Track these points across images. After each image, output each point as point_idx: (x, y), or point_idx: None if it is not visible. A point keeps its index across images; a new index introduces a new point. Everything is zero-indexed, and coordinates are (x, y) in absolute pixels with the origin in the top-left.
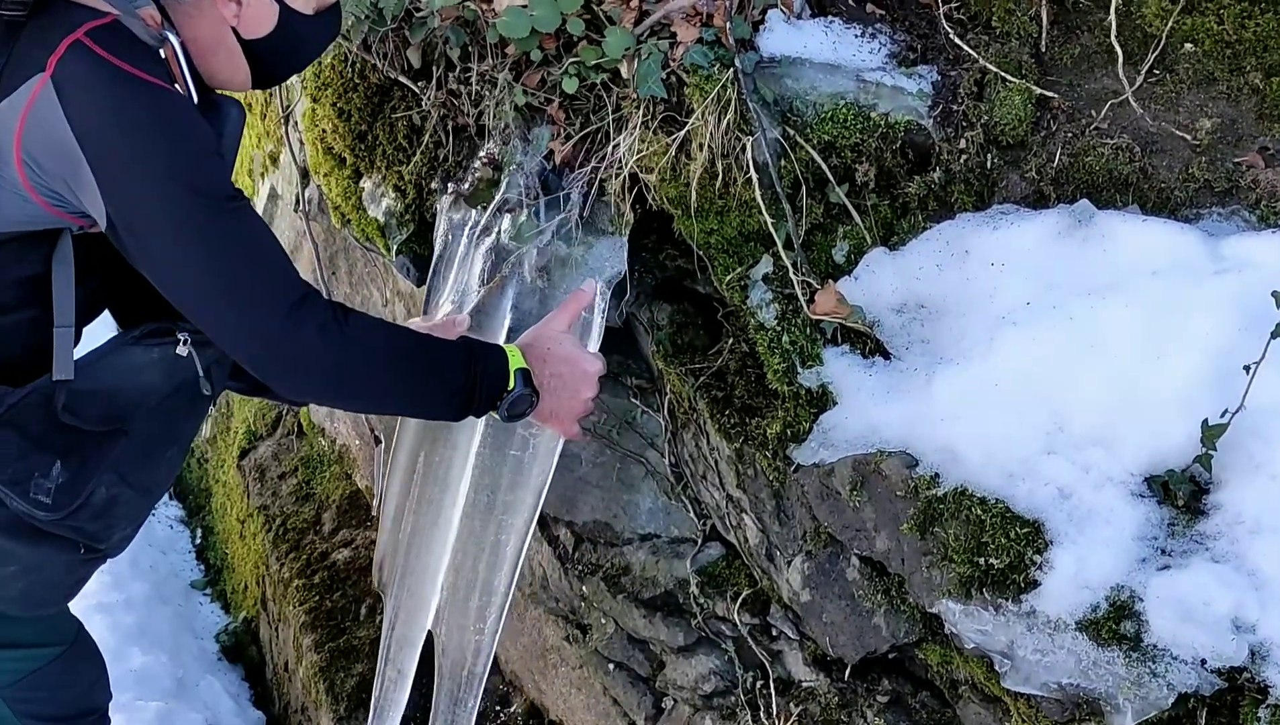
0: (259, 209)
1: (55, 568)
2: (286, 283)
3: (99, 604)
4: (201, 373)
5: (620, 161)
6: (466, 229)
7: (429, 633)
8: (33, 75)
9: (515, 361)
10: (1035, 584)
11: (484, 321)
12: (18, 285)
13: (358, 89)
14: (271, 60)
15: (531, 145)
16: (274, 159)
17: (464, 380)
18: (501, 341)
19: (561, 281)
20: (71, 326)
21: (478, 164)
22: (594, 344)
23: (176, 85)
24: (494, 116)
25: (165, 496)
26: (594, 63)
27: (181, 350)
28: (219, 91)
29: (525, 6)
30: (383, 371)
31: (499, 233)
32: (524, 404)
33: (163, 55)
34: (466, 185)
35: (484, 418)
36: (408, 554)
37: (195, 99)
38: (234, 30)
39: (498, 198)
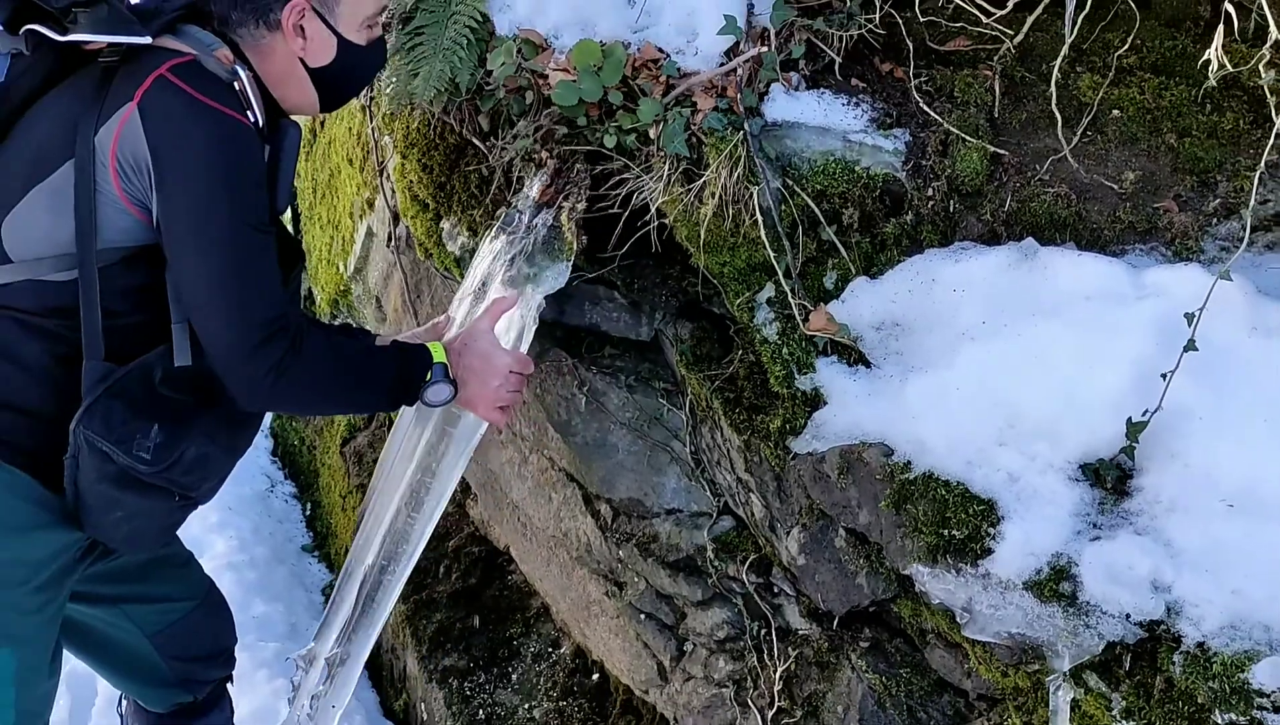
0: (357, 244)
1: (156, 513)
2: (262, 320)
3: (229, 563)
4: None
5: (646, 202)
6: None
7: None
8: (124, 105)
9: (437, 356)
10: (990, 552)
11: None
12: (126, 294)
13: (438, 147)
14: (334, 85)
15: (525, 188)
16: (370, 204)
17: (393, 378)
18: None
19: (521, 294)
20: (185, 322)
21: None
22: (524, 345)
23: (248, 112)
24: (519, 165)
25: (282, 477)
26: (629, 127)
27: None
28: (288, 116)
29: (574, 82)
30: (321, 392)
31: (487, 256)
32: (441, 392)
33: (236, 87)
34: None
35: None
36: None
37: (263, 122)
38: (301, 60)
39: (494, 229)
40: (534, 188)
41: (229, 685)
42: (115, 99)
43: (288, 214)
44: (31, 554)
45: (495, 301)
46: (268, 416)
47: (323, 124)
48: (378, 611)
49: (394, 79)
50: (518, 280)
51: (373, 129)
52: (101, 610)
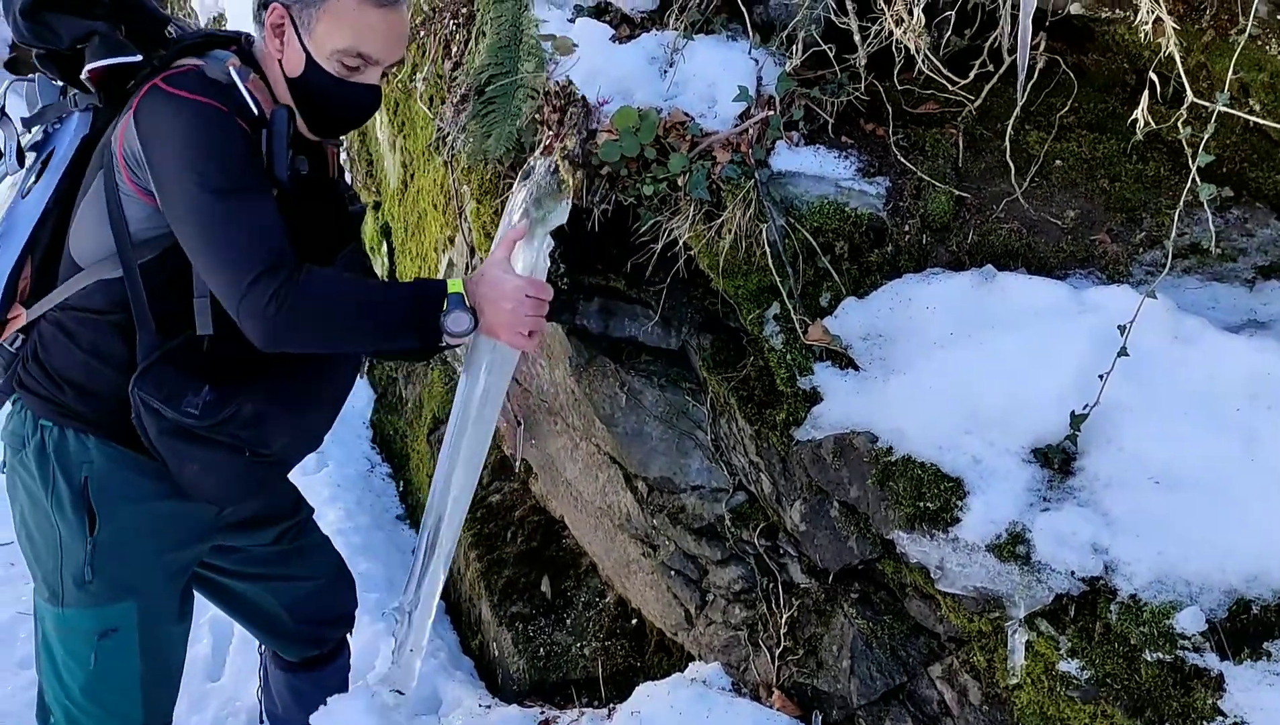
0: (440, 274)
1: (229, 466)
2: (255, 259)
3: (338, 529)
4: None
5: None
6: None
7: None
8: (128, 112)
9: (453, 288)
10: (958, 520)
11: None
12: (171, 282)
13: (505, 194)
14: (307, 103)
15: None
16: (451, 240)
17: (409, 309)
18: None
19: (532, 233)
20: (207, 296)
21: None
22: (540, 274)
23: (237, 102)
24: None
25: (379, 460)
26: (662, 177)
27: None
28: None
29: (616, 141)
30: (329, 322)
31: (515, 210)
32: (461, 321)
33: (225, 83)
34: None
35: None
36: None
37: (260, 112)
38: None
39: (515, 184)
40: (541, 141)
41: (348, 637)
42: (125, 111)
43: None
44: (148, 519)
45: (507, 233)
46: (366, 408)
47: (412, 176)
48: (438, 562)
49: (470, 139)
50: (529, 222)
51: (454, 180)
52: (247, 584)
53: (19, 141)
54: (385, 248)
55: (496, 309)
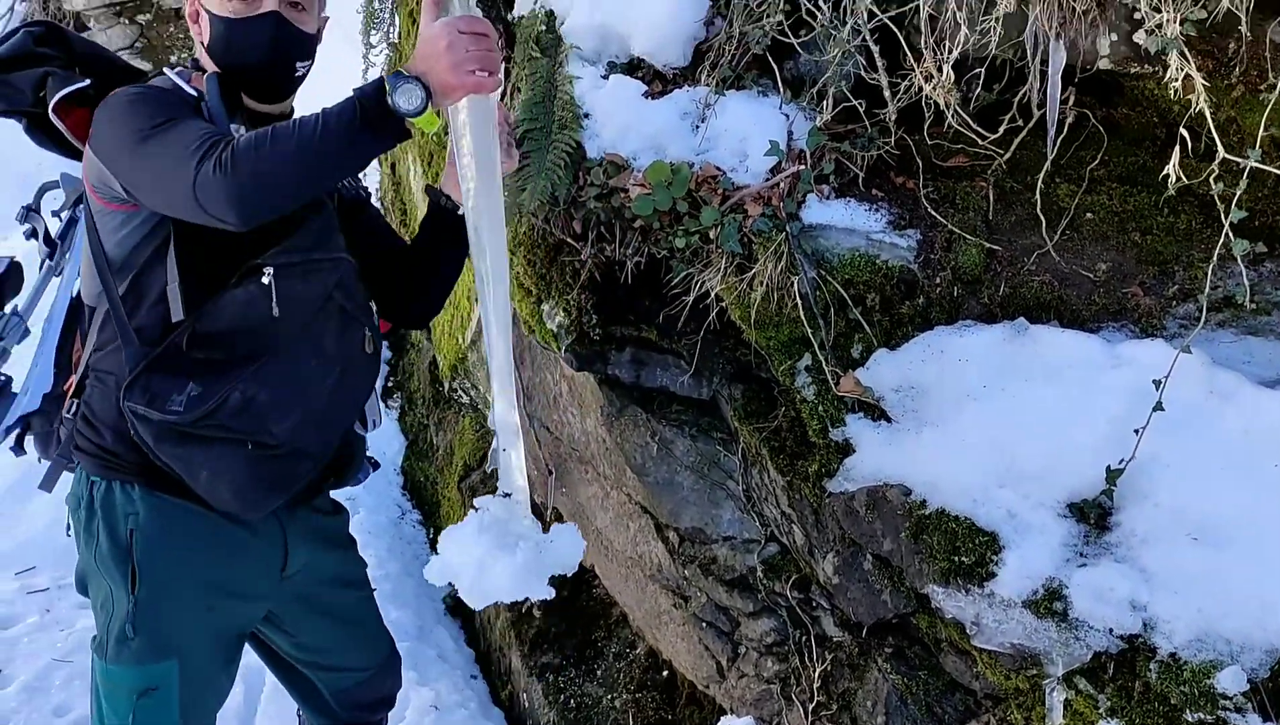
0: (472, 322)
1: (238, 463)
2: (188, 151)
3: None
4: (275, 299)
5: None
6: None
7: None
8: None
9: (388, 74)
10: (993, 575)
11: None
12: (152, 293)
13: (540, 246)
14: (225, 63)
15: None
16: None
17: (355, 111)
18: None
19: None
20: (178, 282)
21: None
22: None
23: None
24: None
25: (410, 507)
26: (694, 230)
27: (265, 280)
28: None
29: (649, 195)
30: (280, 156)
31: None
32: (411, 92)
33: (165, 83)
34: None
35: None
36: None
37: (195, 94)
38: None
39: None
40: None
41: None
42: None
43: None
44: (194, 574)
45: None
46: (397, 455)
47: None
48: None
49: (506, 193)
50: None
51: None
52: (301, 667)
53: (45, 227)
54: None
55: (435, 57)
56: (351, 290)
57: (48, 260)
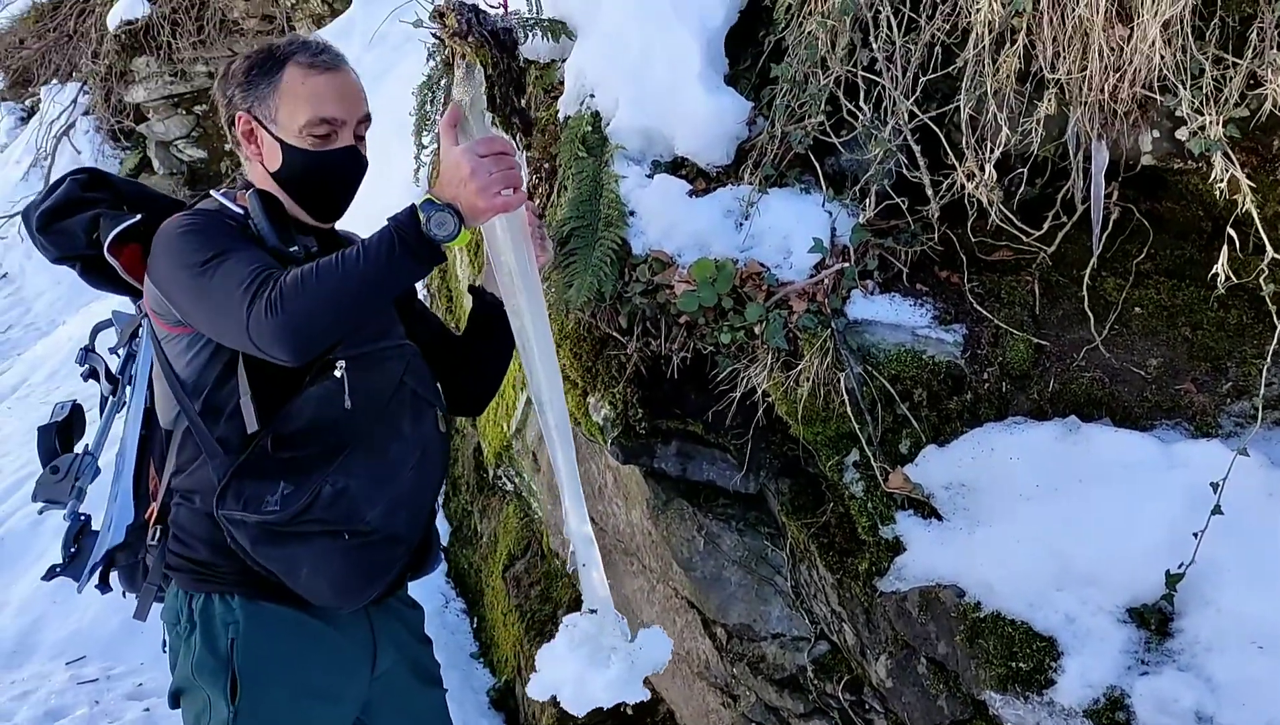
0: (518, 411)
1: (334, 556)
2: (239, 290)
3: None
4: (348, 391)
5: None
6: None
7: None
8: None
9: (420, 200)
10: (1052, 682)
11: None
12: (222, 408)
13: (586, 340)
14: (298, 188)
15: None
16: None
17: (389, 240)
18: None
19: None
20: (249, 396)
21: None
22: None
23: (227, 209)
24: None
25: (454, 595)
26: (739, 326)
27: (338, 373)
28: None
29: (694, 291)
30: (324, 292)
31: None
32: (444, 221)
33: (213, 206)
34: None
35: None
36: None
37: (241, 212)
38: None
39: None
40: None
41: None
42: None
43: None
44: (293, 679)
45: (441, 122)
46: (441, 539)
47: None
48: (569, 470)
49: (552, 288)
50: (461, 106)
51: None
52: None
53: (106, 366)
54: None
55: (461, 184)
56: (421, 374)
57: (110, 396)
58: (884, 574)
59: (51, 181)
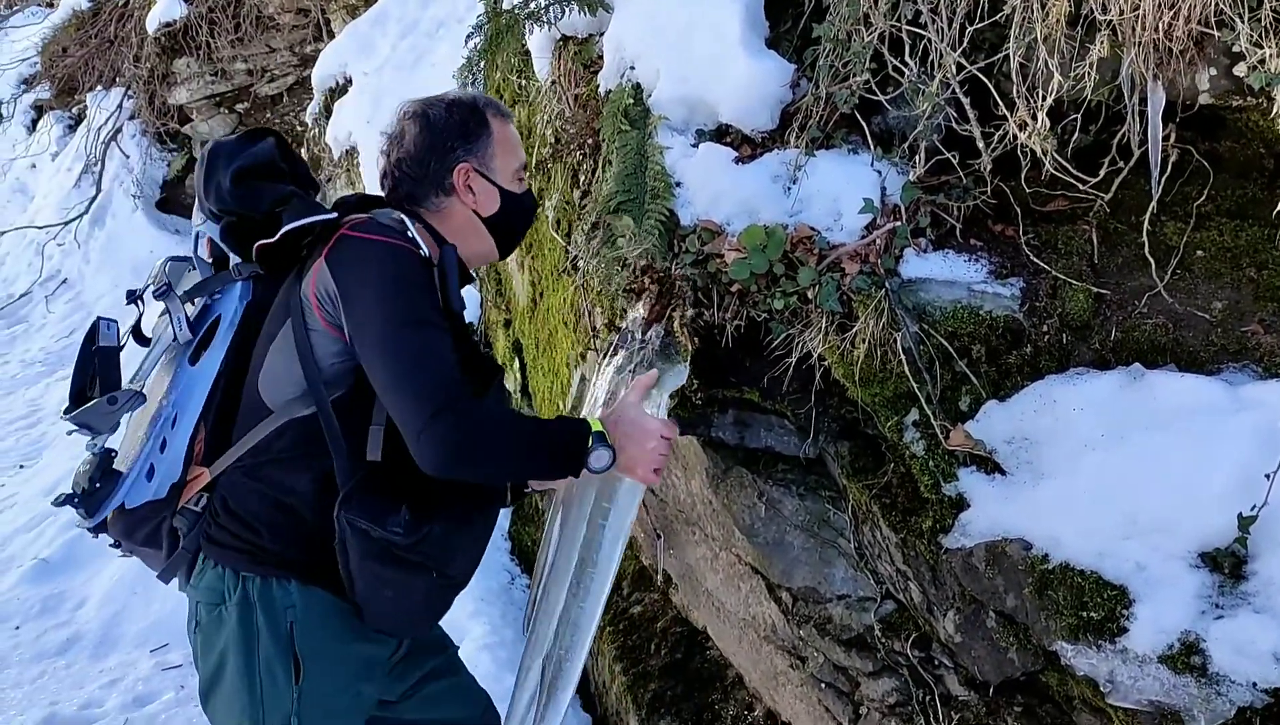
0: (573, 388)
1: (418, 590)
2: (439, 391)
3: (484, 645)
4: None
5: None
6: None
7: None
8: (317, 260)
9: (594, 427)
10: (1125, 630)
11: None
12: (360, 412)
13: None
14: (504, 228)
15: (631, 312)
16: (583, 356)
17: (560, 445)
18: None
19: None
20: (382, 425)
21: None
22: (661, 414)
23: (416, 244)
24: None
25: (519, 571)
26: (792, 291)
27: None
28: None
29: (745, 258)
30: (498, 453)
31: (609, 372)
32: (602, 458)
33: (403, 230)
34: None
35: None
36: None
37: (430, 255)
38: (476, 213)
39: (612, 347)
40: (639, 310)
41: None
42: (311, 261)
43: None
44: (349, 662)
45: (639, 378)
46: (503, 520)
47: (541, 294)
48: (562, 696)
49: (602, 264)
50: (656, 375)
51: (586, 304)
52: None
53: (185, 313)
54: (517, 364)
55: (640, 448)
56: None
57: (177, 344)
58: (948, 531)
59: (242, 132)
